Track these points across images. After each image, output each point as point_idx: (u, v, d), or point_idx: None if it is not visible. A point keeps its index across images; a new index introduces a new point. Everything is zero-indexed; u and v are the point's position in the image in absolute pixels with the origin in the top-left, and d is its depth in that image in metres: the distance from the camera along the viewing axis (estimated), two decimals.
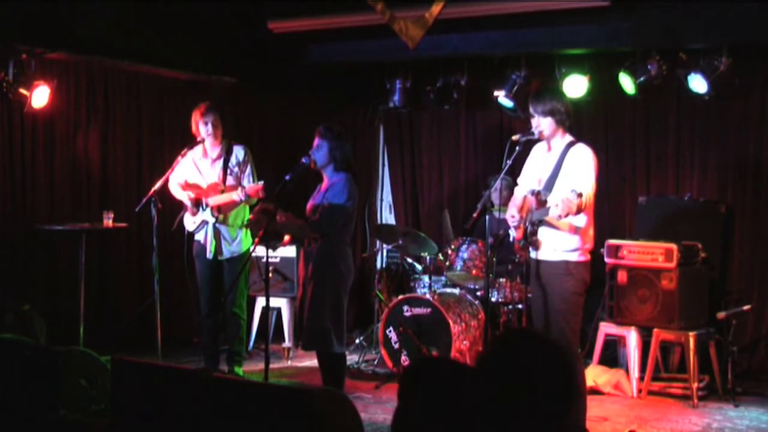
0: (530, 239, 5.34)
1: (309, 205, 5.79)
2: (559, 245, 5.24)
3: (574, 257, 5.22)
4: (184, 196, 6.61)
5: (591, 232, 5.34)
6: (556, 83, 7.30)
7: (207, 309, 6.67)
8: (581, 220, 5.28)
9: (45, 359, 3.98)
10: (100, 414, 4.33)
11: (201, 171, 6.63)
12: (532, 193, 5.41)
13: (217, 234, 6.58)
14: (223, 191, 6.50)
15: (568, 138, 5.36)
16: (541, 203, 5.19)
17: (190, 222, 6.67)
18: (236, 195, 6.35)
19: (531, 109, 5.47)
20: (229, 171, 6.58)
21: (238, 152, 6.62)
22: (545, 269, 5.28)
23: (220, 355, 6.80)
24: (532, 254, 5.44)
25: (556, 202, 5.06)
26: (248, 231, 6.60)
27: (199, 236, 6.67)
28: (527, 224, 5.40)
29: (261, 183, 6.30)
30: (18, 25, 6.41)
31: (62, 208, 7.28)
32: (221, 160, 6.59)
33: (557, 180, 5.25)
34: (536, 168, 5.59)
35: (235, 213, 6.59)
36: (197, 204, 6.56)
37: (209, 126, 6.50)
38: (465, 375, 2.44)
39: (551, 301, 5.23)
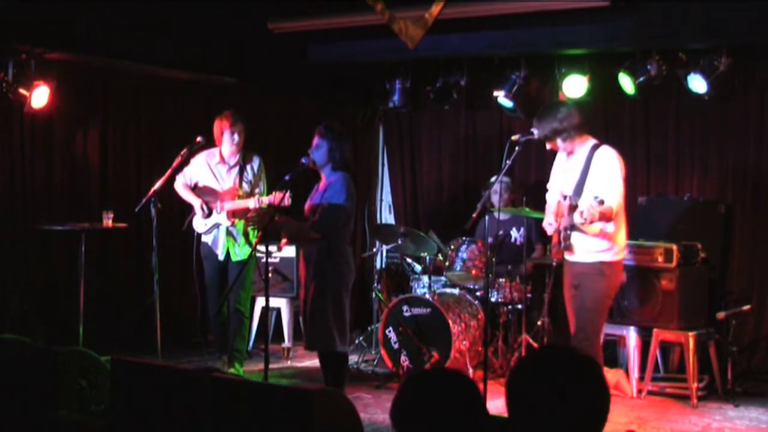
0: (564, 244, 5.34)
1: (307, 205, 5.78)
2: (592, 247, 5.23)
3: (608, 257, 5.21)
4: (195, 202, 6.74)
5: (623, 230, 5.32)
6: (555, 95, 7.35)
7: (216, 309, 6.80)
8: (611, 225, 5.26)
9: (44, 359, 3.97)
10: (100, 414, 4.33)
11: (217, 176, 6.79)
12: (564, 198, 5.39)
13: (229, 236, 6.73)
14: (239, 197, 6.66)
15: (591, 141, 5.31)
16: (572, 208, 5.18)
17: (201, 224, 6.78)
18: (252, 202, 6.46)
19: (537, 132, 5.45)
20: (244, 179, 6.75)
21: (254, 162, 6.82)
22: (579, 270, 5.29)
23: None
24: (567, 257, 5.44)
25: (581, 209, 5.09)
26: (252, 231, 6.69)
27: (207, 238, 6.78)
28: (561, 229, 5.38)
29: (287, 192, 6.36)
30: (18, 25, 6.41)
31: (62, 208, 7.27)
32: (238, 168, 6.77)
33: (585, 184, 5.24)
34: (561, 173, 5.57)
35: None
36: (210, 211, 6.70)
37: (235, 136, 6.70)
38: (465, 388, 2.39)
39: (582, 301, 5.23)
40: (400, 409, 2.33)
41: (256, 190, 6.77)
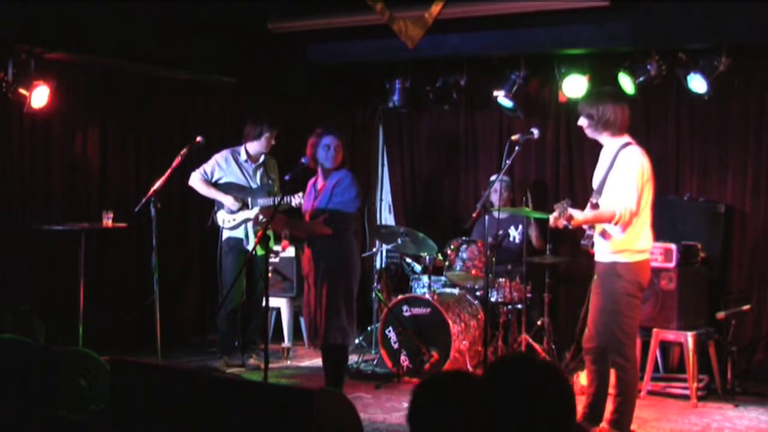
0: (582, 242, 5.34)
1: (309, 204, 5.79)
2: (606, 247, 5.19)
3: (622, 258, 5.12)
4: (225, 198, 6.97)
5: (641, 232, 5.16)
6: (555, 95, 7.40)
7: (238, 302, 7.01)
8: (618, 227, 5.15)
9: (44, 359, 3.98)
10: (100, 414, 4.33)
11: (245, 173, 7.04)
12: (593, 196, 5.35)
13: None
14: (271, 194, 6.97)
15: (624, 139, 5.22)
16: (594, 206, 5.15)
17: (228, 219, 6.99)
18: (295, 200, 6.50)
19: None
20: (269, 177, 7.10)
21: (274, 163, 7.20)
22: (599, 270, 5.26)
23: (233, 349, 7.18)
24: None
25: (553, 214, 5.08)
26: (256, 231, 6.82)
27: (237, 232, 7.02)
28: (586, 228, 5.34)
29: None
30: (18, 25, 6.41)
31: (61, 208, 7.27)
32: (264, 167, 7.09)
33: (606, 182, 5.20)
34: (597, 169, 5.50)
35: None
36: (243, 205, 6.98)
37: (272, 139, 7.01)
38: (474, 386, 2.37)
39: (603, 301, 5.20)
40: (416, 413, 2.34)
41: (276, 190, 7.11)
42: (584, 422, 5.20)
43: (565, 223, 5.08)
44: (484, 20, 7.10)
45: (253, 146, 7.01)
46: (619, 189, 5.09)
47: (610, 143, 5.23)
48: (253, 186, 7.02)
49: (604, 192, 5.17)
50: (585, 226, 5.30)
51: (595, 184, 5.31)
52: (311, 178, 5.95)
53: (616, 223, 5.05)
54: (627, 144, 5.19)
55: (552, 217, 5.09)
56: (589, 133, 5.27)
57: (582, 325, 5.87)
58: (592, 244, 5.27)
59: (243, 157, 7.04)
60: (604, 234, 5.17)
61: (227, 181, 7.02)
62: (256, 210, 6.92)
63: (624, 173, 5.10)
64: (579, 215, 5.07)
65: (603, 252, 5.22)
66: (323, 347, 5.77)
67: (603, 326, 5.19)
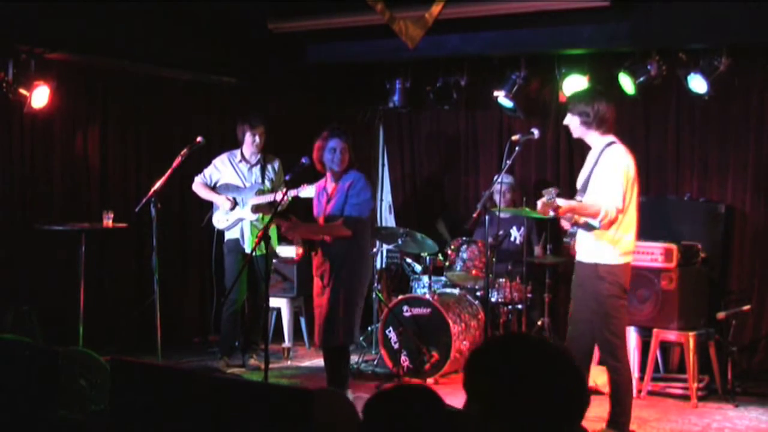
0: (564, 240, 5.33)
1: (320, 208, 5.77)
2: (590, 247, 5.18)
3: (604, 260, 5.11)
4: (218, 198, 7.03)
5: (627, 233, 5.14)
6: (556, 95, 7.43)
7: (240, 303, 7.05)
8: (608, 226, 5.12)
9: (44, 359, 3.98)
10: (100, 414, 4.33)
11: (239, 173, 7.09)
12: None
13: (255, 229, 6.96)
14: (262, 192, 6.96)
15: (609, 138, 5.20)
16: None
17: (222, 219, 7.04)
18: (279, 196, 6.48)
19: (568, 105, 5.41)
20: (266, 177, 7.08)
21: (275, 163, 7.17)
22: (582, 271, 5.25)
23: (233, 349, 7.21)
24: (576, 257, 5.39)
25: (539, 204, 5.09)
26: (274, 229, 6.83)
27: (233, 233, 7.05)
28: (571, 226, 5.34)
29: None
30: (18, 25, 6.41)
31: (61, 208, 7.27)
32: (259, 167, 7.09)
33: (590, 182, 5.19)
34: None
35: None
36: (234, 204, 6.99)
37: (256, 138, 7.01)
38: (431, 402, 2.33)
39: (590, 304, 5.19)
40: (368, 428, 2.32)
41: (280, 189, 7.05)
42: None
43: (552, 213, 5.08)
44: (485, 20, 7.10)
45: (244, 147, 7.09)
46: (604, 187, 5.08)
47: (596, 142, 5.23)
48: (247, 185, 7.05)
49: (588, 190, 5.17)
50: (566, 225, 5.31)
51: (579, 183, 5.31)
52: (318, 178, 5.95)
53: (602, 220, 5.04)
54: (612, 143, 5.20)
55: (540, 203, 5.06)
56: (579, 131, 5.26)
57: None
58: (569, 244, 5.28)
59: (237, 158, 7.12)
60: (586, 232, 5.16)
61: (223, 182, 7.10)
62: (247, 209, 6.95)
63: (608, 171, 5.09)
64: (564, 204, 5.05)
65: (584, 252, 5.21)
66: (331, 347, 5.74)
67: (593, 327, 5.20)
